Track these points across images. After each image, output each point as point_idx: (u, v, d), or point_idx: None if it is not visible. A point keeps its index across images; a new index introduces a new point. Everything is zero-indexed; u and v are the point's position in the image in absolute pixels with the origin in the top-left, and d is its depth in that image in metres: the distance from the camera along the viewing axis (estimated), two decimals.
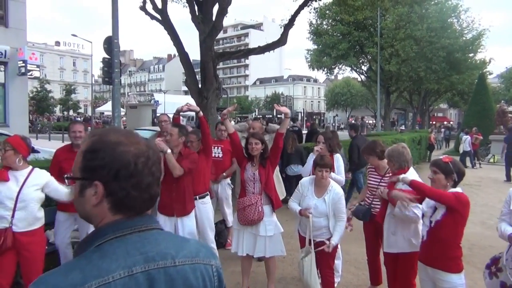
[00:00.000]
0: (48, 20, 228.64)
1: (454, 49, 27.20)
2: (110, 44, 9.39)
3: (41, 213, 3.67)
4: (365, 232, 4.69)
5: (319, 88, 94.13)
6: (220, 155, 5.97)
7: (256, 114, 68.46)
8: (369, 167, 4.70)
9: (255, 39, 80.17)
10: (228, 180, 6.19)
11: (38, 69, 15.57)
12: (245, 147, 4.42)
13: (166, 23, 10.19)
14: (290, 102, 60.58)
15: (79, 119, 47.08)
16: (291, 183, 7.86)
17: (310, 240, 4.02)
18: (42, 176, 3.67)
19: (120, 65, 10.00)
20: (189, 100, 9.31)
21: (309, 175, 4.56)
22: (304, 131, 17.83)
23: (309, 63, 33.87)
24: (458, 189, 3.20)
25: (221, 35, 65.50)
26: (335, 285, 4.52)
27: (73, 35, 44.10)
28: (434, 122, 49.21)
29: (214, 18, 9.82)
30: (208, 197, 4.92)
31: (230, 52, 12.97)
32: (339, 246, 4.45)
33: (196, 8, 10.07)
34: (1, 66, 14.30)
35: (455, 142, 23.57)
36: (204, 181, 4.83)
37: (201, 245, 1.18)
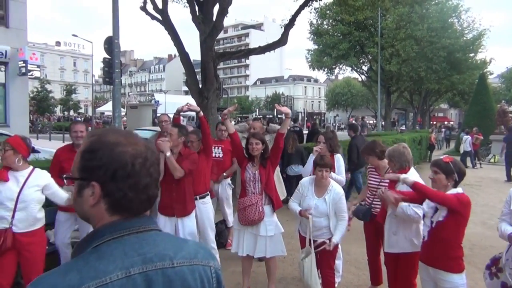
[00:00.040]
0: (48, 20, 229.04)
1: (454, 49, 27.19)
2: (111, 44, 9.39)
3: (41, 214, 3.67)
4: (366, 232, 4.69)
5: (319, 88, 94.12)
6: (221, 155, 5.97)
7: (257, 114, 68.45)
8: (369, 167, 4.70)
9: (255, 39, 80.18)
10: (229, 180, 6.19)
11: (38, 69, 15.58)
12: (245, 147, 4.41)
13: (167, 23, 10.19)
14: (290, 102, 60.55)
15: (79, 119, 47.11)
16: (291, 183, 7.86)
17: (310, 241, 4.02)
18: (43, 177, 3.67)
19: (121, 65, 10.00)
20: (190, 100, 9.31)
21: (310, 175, 4.55)
22: (305, 131, 17.82)
23: (310, 63, 33.90)
24: (458, 189, 3.19)
25: (221, 35, 65.43)
26: (336, 285, 4.52)
27: (74, 35, 44.12)
28: (434, 122, 49.22)
29: (214, 18, 9.81)
30: (208, 197, 4.92)
31: (231, 52, 12.96)
32: (339, 246, 4.44)
33: (196, 8, 10.07)
34: (2, 66, 14.32)
35: (456, 142, 23.56)
36: (204, 181, 4.83)
37: (199, 246, 1.18)
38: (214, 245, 4.84)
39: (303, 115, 61.67)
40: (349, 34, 29.24)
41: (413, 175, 3.82)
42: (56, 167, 4.27)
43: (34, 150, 3.82)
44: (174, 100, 36.38)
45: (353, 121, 24.11)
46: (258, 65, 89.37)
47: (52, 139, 26.02)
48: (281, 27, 13.62)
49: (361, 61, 33.16)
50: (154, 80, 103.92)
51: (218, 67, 10.60)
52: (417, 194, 3.34)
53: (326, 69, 33.49)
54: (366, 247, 4.72)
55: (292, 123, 14.28)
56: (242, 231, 4.35)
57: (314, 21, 30.96)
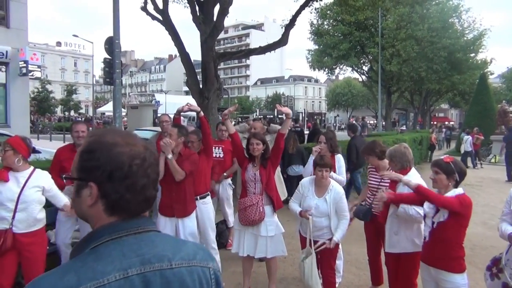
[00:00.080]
0: (49, 20, 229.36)
1: (455, 49, 27.18)
2: (111, 44, 9.39)
3: (42, 215, 3.66)
4: (366, 232, 4.69)
5: (320, 88, 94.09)
6: (221, 155, 5.98)
7: (257, 114, 68.44)
8: (369, 167, 4.70)
9: (256, 40, 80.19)
10: (229, 181, 6.19)
11: (39, 69, 15.58)
12: (246, 148, 4.41)
13: (167, 23, 10.20)
14: (291, 102, 60.54)
15: (80, 119, 47.12)
16: (292, 183, 7.86)
17: (310, 241, 4.02)
18: (44, 178, 3.67)
19: (121, 65, 10.01)
20: (190, 100, 9.31)
21: (311, 175, 4.56)
22: (306, 132, 17.82)
23: (310, 63, 33.91)
24: (459, 190, 3.19)
25: (222, 35, 65.37)
26: (336, 285, 4.52)
27: (74, 35, 44.12)
28: (435, 122, 49.18)
29: (215, 19, 9.82)
30: (209, 197, 4.91)
31: (231, 53, 12.96)
32: (340, 246, 4.44)
33: (197, 8, 10.08)
34: (3, 67, 14.33)
35: (456, 142, 23.54)
36: (205, 181, 4.82)
37: (198, 247, 1.17)
38: (215, 245, 4.84)
39: (303, 115, 61.65)
40: (349, 34, 29.25)
41: (414, 175, 3.83)
42: (57, 167, 4.28)
43: (35, 151, 3.82)
44: (175, 101, 36.37)
45: (354, 121, 24.08)
46: (258, 65, 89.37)
47: (53, 139, 26.03)
48: (282, 27, 13.65)
49: (361, 61, 33.18)
50: (154, 80, 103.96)
51: (218, 67, 10.60)
52: (419, 197, 3.34)
53: (326, 69, 33.50)
54: (367, 247, 4.72)
55: (293, 123, 14.27)
56: (243, 231, 4.35)
57: (315, 21, 31.00)
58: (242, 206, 4.26)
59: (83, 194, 1.06)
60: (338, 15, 28.80)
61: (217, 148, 5.90)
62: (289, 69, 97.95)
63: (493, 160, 18.57)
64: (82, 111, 73.63)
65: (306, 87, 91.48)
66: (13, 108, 14.25)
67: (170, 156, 4.13)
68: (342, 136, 12.34)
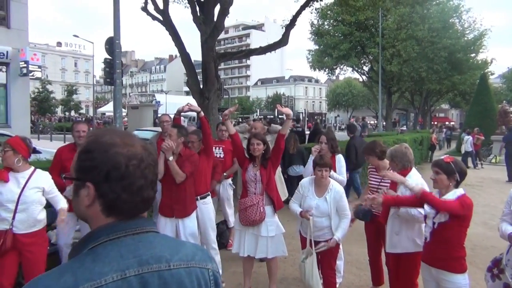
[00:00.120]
0: (49, 21, 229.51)
1: (455, 49, 27.19)
2: (112, 44, 9.40)
3: (42, 215, 3.66)
4: (367, 232, 4.68)
5: (320, 88, 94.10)
6: (221, 155, 5.97)
7: (258, 114, 68.40)
8: (370, 168, 4.70)
9: (256, 40, 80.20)
10: (230, 181, 6.19)
11: (39, 69, 15.58)
12: (247, 148, 4.41)
13: (168, 23, 10.20)
14: (291, 103, 60.45)
15: (80, 119, 47.10)
16: (293, 183, 7.86)
17: (311, 241, 4.02)
18: (44, 179, 3.66)
19: (122, 65, 10.02)
20: (191, 100, 9.31)
21: (311, 175, 4.55)
22: (307, 132, 17.80)
23: (311, 64, 33.92)
24: (460, 190, 3.18)
25: (222, 35, 65.39)
26: (337, 285, 4.52)
27: (75, 35, 44.25)
28: (435, 123, 49.16)
29: (215, 19, 9.82)
30: (209, 197, 4.90)
31: (232, 53, 12.97)
32: (340, 246, 4.44)
33: (197, 8, 10.09)
34: (3, 67, 14.35)
35: (457, 142, 23.53)
36: (205, 182, 4.82)
37: (197, 248, 1.17)
38: (215, 245, 4.83)
39: (304, 115, 61.63)
40: (350, 34, 29.25)
41: (415, 175, 3.83)
42: (57, 166, 4.28)
43: (36, 151, 3.82)
44: (175, 101, 36.36)
45: (354, 122, 24.08)
46: (259, 66, 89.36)
47: (53, 139, 26.05)
48: (282, 28, 13.65)
49: (362, 61, 33.18)
50: (155, 80, 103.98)
51: (219, 67, 10.61)
52: (416, 200, 3.34)
53: (327, 70, 33.51)
54: (367, 247, 4.72)
55: (295, 123, 14.27)
56: (243, 231, 4.34)
57: (315, 22, 31.03)
58: (242, 206, 4.26)
59: (81, 194, 1.06)
60: (338, 15, 28.83)
61: (217, 148, 5.90)
62: (289, 69, 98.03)
63: (493, 161, 18.55)
64: (83, 111, 73.64)
65: (306, 87, 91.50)
66: (14, 108, 14.26)
67: (171, 158, 4.13)
68: (343, 136, 12.34)
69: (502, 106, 21.57)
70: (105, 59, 9.65)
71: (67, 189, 3.81)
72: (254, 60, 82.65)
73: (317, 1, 12.14)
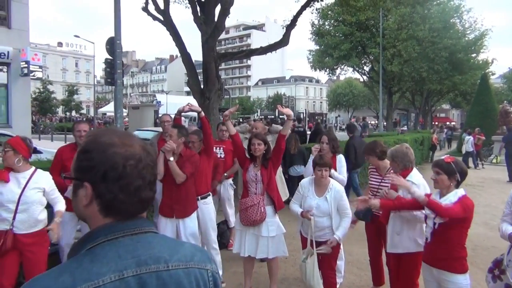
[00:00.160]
0: (50, 21, 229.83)
1: (456, 50, 27.18)
2: (113, 45, 9.40)
3: (43, 215, 3.66)
4: (367, 232, 4.68)
5: (321, 88, 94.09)
6: (222, 156, 5.97)
7: (258, 114, 68.40)
8: (370, 168, 4.70)
9: (257, 40, 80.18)
10: (231, 181, 6.19)
11: (40, 70, 15.58)
12: (247, 148, 4.42)
13: (168, 24, 10.21)
14: (292, 103, 60.48)
15: (81, 119, 47.12)
16: (294, 183, 7.86)
17: (312, 241, 4.01)
18: (45, 179, 3.66)
19: (123, 66, 10.02)
20: (191, 100, 9.30)
21: (312, 175, 4.56)
22: (308, 132, 17.80)
23: (311, 64, 33.95)
24: (461, 190, 3.18)
25: (223, 35, 65.40)
26: (338, 286, 4.52)
27: (76, 36, 44.35)
28: (436, 123, 49.16)
29: (216, 19, 9.83)
30: (210, 197, 4.90)
31: (232, 53, 12.97)
32: (341, 247, 4.44)
33: (198, 9, 10.09)
34: (4, 67, 14.36)
35: (458, 142, 23.52)
36: (206, 182, 4.82)
37: (196, 249, 1.16)
38: (216, 245, 4.83)
39: (304, 115, 61.64)
40: (350, 34, 29.26)
41: (416, 175, 3.83)
42: (58, 166, 4.27)
43: (36, 151, 3.82)
44: (176, 101, 36.37)
45: (354, 122, 24.08)
46: (259, 66, 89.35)
47: (54, 139, 26.08)
48: (283, 28, 13.65)
49: (362, 61, 33.19)
50: (155, 80, 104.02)
51: (219, 67, 10.62)
52: (414, 204, 3.35)
53: (327, 70, 33.53)
54: (368, 247, 4.72)
55: (296, 123, 14.29)
56: (244, 231, 4.34)
57: (316, 22, 31.05)
58: (243, 206, 4.26)
59: (80, 194, 1.06)
60: (339, 16, 28.84)
61: (218, 148, 5.90)
62: (290, 69, 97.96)
63: (494, 161, 18.53)
64: (84, 111, 73.70)
65: (307, 87, 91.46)
66: (15, 108, 14.28)
67: (171, 159, 4.13)
68: (343, 136, 12.34)
69: (503, 106, 21.53)
70: (106, 59, 9.65)
71: (68, 189, 3.81)
72: (254, 60, 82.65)
73: (317, 1, 12.14)
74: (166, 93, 48.17)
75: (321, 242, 4.02)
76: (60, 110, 65.83)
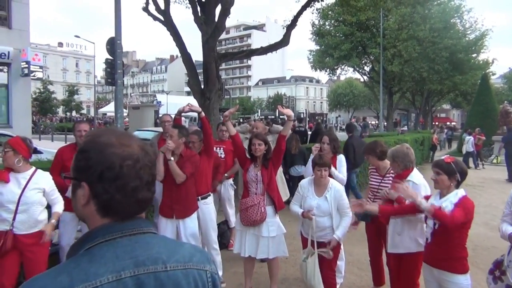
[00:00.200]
0: (51, 21, 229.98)
1: (457, 50, 27.18)
2: (113, 45, 9.39)
3: (43, 216, 3.65)
4: (368, 233, 4.68)
5: (321, 88, 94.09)
6: (222, 156, 5.97)
7: (259, 114, 68.39)
8: (370, 168, 4.70)
9: (257, 40, 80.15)
10: (231, 181, 6.19)
11: (41, 70, 15.58)
12: (248, 148, 4.41)
13: (169, 24, 10.21)
14: (292, 103, 60.46)
15: (81, 119, 47.09)
16: (294, 184, 7.86)
17: (312, 241, 4.01)
18: (45, 180, 3.65)
19: (123, 66, 10.01)
20: (192, 101, 9.31)
21: (312, 175, 4.56)
22: (308, 132, 17.79)
23: (312, 64, 33.96)
24: (461, 191, 3.17)
25: (223, 36, 65.46)
26: (338, 286, 4.52)
27: (76, 36, 44.39)
28: (437, 123, 49.15)
29: (216, 19, 9.83)
30: (210, 198, 4.90)
31: (233, 53, 12.97)
32: (342, 247, 4.44)
33: (198, 9, 10.10)
34: (4, 67, 14.37)
35: (458, 142, 23.51)
36: (206, 182, 4.82)
37: (195, 249, 1.16)
38: (216, 246, 4.83)
39: (305, 115, 61.61)
40: (351, 34, 29.26)
41: (416, 175, 3.83)
42: (58, 167, 4.27)
43: (37, 151, 3.82)
44: (176, 101, 36.38)
45: (354, 122, 24.05)
46: (260, 66, 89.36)
47: (55, 140, 26.07)
48: (283, 28, 13.65)
49: (363, 61, 33.18)
50: (156, 81, 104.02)
51: (220, 67, 10.62)
52: (412, 209, 3.37)
53: (328, 70, 33.53)
54: (368, 248, 4.71)
55: (298, 123, 14.29)
56: (244, 231, 4.34)
57: (316, 22, 31.05)
58: (243, 206, 4.26)
59: (78, 193, 1.06)
60: (339, 16, 28.85)
61: (218, 148, 5.89)
62: (290, 69, 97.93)
63: (494, 161, 18.52)
64: (84, 111, 73.71)
65: (307, 87, 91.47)
66: (15, 108, 14.28)
67: (171, 159, 4.13)
68: (344, 136, 12.33)
69: (503, 107, 21.51)
70: (106, 59, 9.64)
71: (69, 189, 3.80)
72: (255, 60, 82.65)
73: (318, 2, 12.14)
74: (167, 93, 48.21)
75: (322, 243, 4.01)
76: (60, 110, 65.84)
